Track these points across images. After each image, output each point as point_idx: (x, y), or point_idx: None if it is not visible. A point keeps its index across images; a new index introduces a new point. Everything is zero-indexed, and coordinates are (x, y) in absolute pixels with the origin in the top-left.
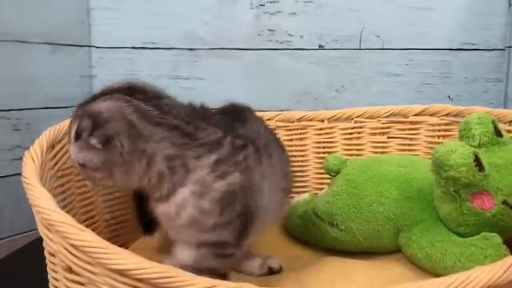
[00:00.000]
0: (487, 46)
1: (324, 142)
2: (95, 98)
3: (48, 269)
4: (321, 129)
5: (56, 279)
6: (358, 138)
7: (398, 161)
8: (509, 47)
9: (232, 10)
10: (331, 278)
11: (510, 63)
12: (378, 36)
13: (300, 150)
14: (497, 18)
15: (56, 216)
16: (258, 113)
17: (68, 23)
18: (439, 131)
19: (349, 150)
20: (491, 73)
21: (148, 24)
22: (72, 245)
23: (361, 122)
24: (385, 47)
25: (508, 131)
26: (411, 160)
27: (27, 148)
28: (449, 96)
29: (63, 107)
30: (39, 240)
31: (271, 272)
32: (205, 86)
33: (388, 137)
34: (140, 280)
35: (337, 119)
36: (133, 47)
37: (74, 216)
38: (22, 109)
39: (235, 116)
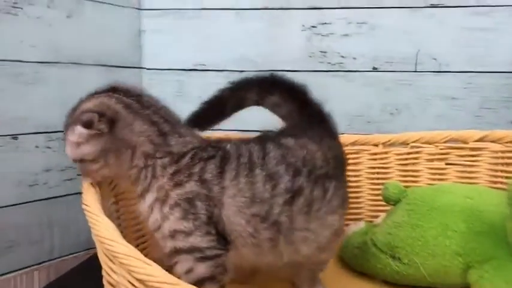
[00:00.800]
0: None
1: (378, 167)
2: (83, 101)
3: None
4: (375, 153)
5: None
6: (414, 164)
7: (463, 192)
8: None
9: (283, 32)
10: None
11: None
12: (434, 59)
13: (354, 176)
14: None
15: (120, 248)
16: None
17: (120, 45)
18: (502, 158)
19: (405, 176)
20: None
21: (199, 46)
22: (137, 279)
23: (417, 147)
24: (442, 70)
25: None
26: (477, 190)
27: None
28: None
29: None
30: (89, 261)
31: None
32: (255, 108)
33: (447, 164)
34: None
35: (392, 144)
36: (183, 69)
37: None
38: None
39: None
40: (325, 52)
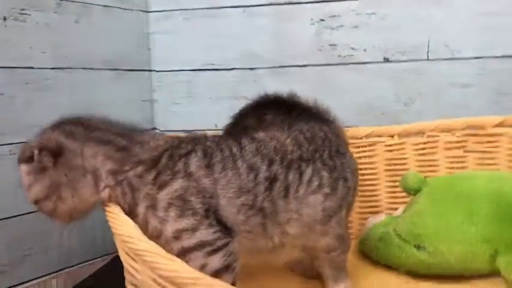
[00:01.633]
0: None
1: (394, 159)
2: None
3: None
4: (391, 145)
5: None
6: (431, 153)
7: (485, 177)
8: None
9: (292, 27)
10: None
11: None
12: (446, 46)
13: (370, 169)
14: None
15: (143, 245)
16: None
17: (128, 47)
18: None
19: (423, 166)
20: None
21: (207, 46)
22: (162, 277)
23: (434, 136)
24: (454, 57)
25: None
26: (499, 175)
27: None
28: None
29: None
30: (106, 266)
31: None
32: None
33: (465, 151)
34: None
35: (408, 134)
36: (192, 69)
37: None
38: None
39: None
40: (335, 45)
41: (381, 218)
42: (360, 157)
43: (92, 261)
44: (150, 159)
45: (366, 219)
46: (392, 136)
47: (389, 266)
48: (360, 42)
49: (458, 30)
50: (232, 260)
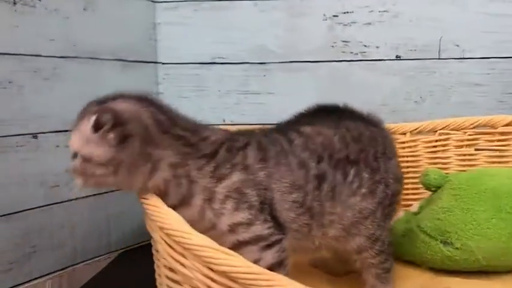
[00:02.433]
0: None
1: (407, 156)
2: (112, 98)
3: None
4: (403, 142)
5: None
6: (443, 151)
7: (507, 174)
8: None
9: (304, 22)
10: None
11: None
12: (457, 45)
13: None
14: None
15: (196, 239)
16: None
17: (134, 38)
18: None
19: (434, 164)
20: None
21: (217, 38)
22: (217, 272)
23: (445, 134)
24: (465, 56)
25: None
26: None
27: None
28: None
29: None
30: (113, 263)
31: None
32: (276, 101)
33: (476, 149)
34: None
35: (420, 132)
36: (201, 63)
37: None
38: None
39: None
40: (347, 41)
41: (400, 214)
42: None
43: (98, 258)
44: (209, 153)
45: None
46: (404, 134)
47: (411, 262)
48: (372, 40)
49: (470, 30)
50: (284, 256)
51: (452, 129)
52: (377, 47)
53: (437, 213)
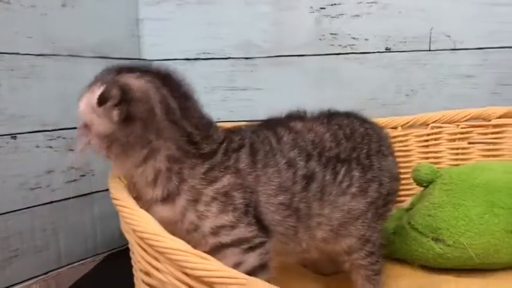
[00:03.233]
0: None
1: (398, 151)
2: (129, 70)
3: None
4: (394, 136)
5: None
6: (435, 145)
7: (501, 167)
8: None
9: (291, 15)
10: None
11: None
12: (448, 36)
13: None
14: None
15: (170, 242)
16: None
17: (117, 34)
18: None
19: (426, 158)
20: None
21: (202, 33)
22: (192, 276)
23: (437, 127)
24: (456, 47)
25: None
26: None
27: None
28: None
29: None
30: (99, 266)
31: None
32: (264, 96)
33: (469, 143)
34: None
35: (412, 126)
36: (186, 59)
37: None
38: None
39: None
40: (335, 34)
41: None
42: None
43: (83, 261)
44: (207, 153)
45: None
46: (395, 128)
47: (403, 260)
48: (361, 32)
49: (460, 20)
50: (268, 258)
51: (444, 123)
52: (366, 40)
53: (428, 210)
